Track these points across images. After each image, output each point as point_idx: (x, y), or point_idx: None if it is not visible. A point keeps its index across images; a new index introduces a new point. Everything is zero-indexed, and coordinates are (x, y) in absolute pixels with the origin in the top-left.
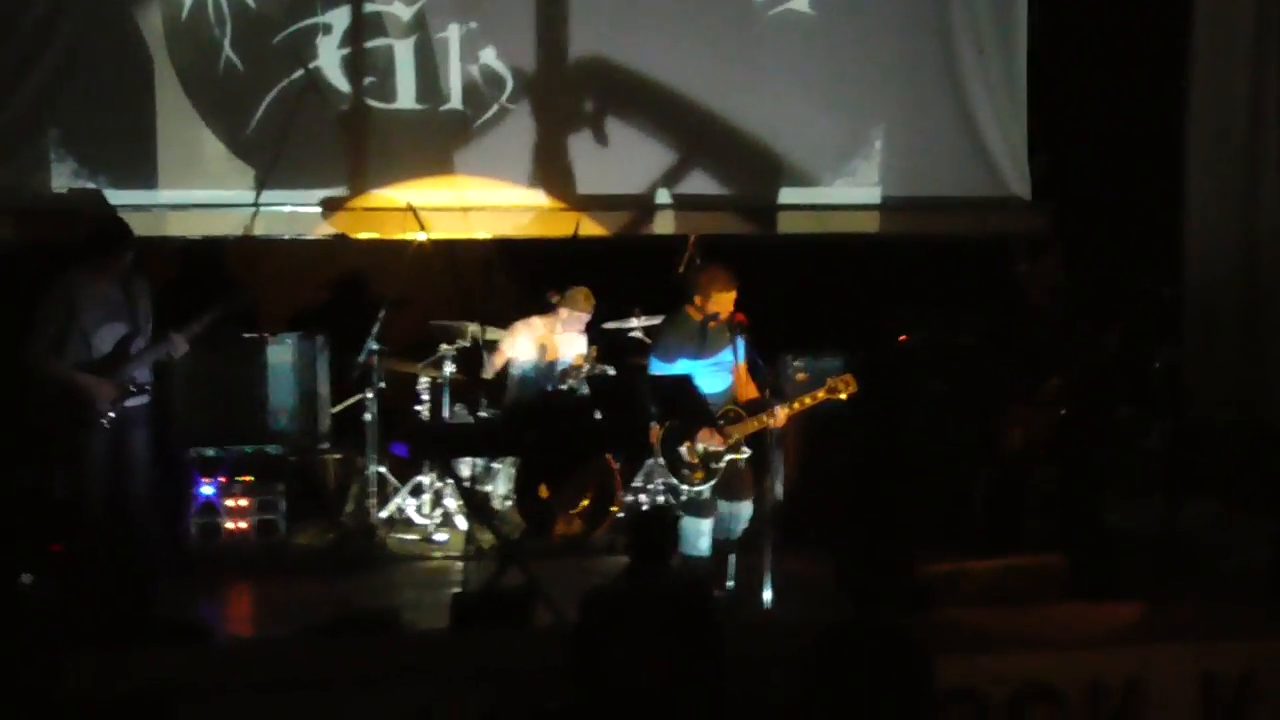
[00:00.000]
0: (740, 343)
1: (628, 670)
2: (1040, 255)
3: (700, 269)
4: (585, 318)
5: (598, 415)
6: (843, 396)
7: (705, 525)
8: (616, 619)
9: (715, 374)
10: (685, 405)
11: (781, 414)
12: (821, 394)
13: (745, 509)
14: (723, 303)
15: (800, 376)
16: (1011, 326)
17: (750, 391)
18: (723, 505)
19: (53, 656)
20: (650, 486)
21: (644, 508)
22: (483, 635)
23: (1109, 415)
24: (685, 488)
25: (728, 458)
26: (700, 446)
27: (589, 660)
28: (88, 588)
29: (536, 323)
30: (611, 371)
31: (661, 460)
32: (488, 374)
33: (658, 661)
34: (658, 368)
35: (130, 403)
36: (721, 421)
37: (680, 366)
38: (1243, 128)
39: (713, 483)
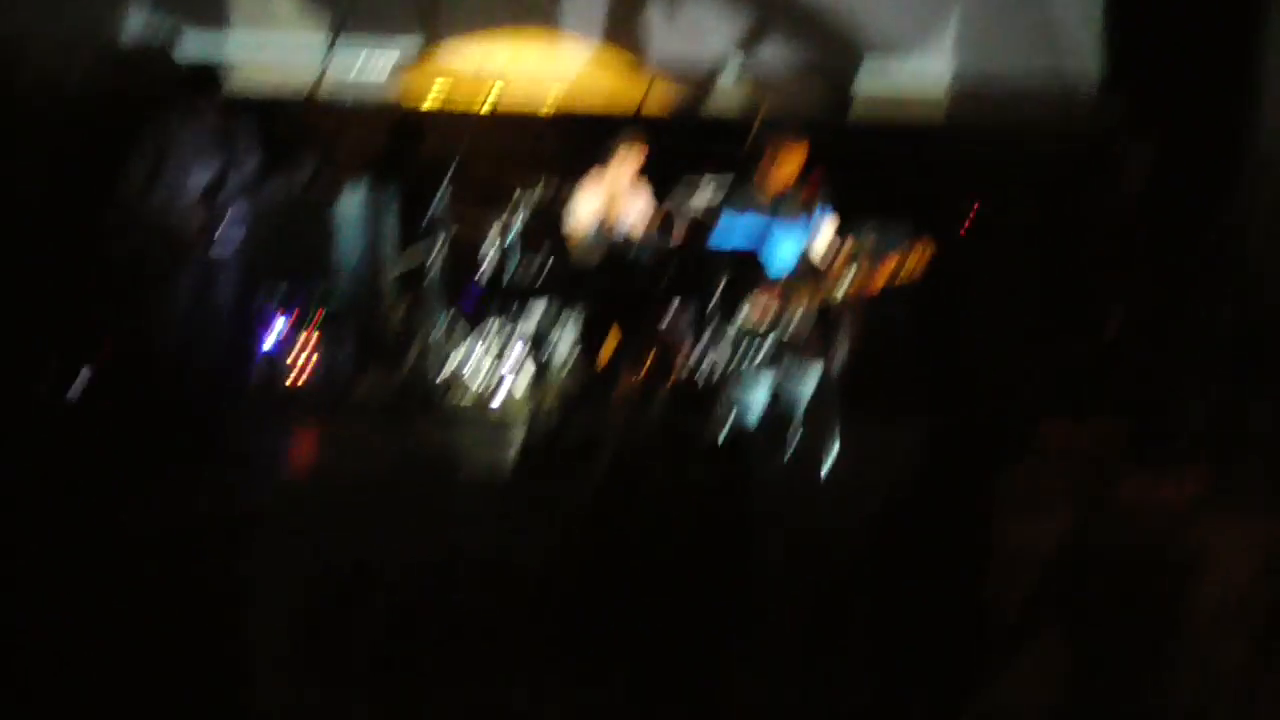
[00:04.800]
0: (818, 210)
1: (652, 522)
2: (1133, 148)
3: (769, 139)
4: (635, 162)
5: (662, 279)
6: (916, 267)
7: (762, 386)
8: (649, 472)
9: (784, 242)
10: (746, 271)
11: (849, 283)
12: (894, 264)
13: (809, 371)
14: (791, 169)
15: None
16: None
17: (837, 259)
18: (786, 366)
19: (111, 477)
20: (713, 352)
21: (688, 368)
22: (549, 483)
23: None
24: (746, 351)
25: (791, 323)
26: (761, 311)
27: (614, 509)
28: (158, 419)
29: (597, 182)
30: (675, 239)
31: (724, 325)
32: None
33: (682, 518)
34: (724, 236)
35: (218, 248)
36: (787, 287)
37: (749, 234)
38: None
39: (772, 344)
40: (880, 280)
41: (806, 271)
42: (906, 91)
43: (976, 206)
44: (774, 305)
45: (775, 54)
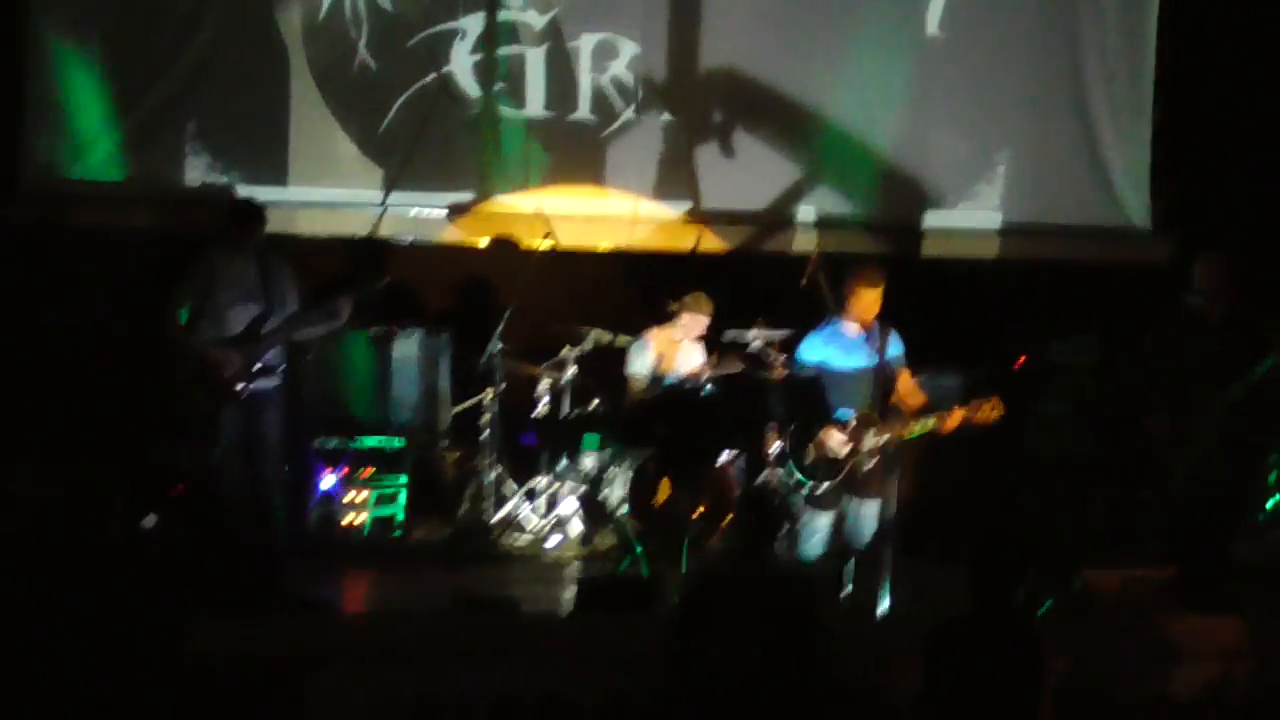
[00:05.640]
0: (892, 345)
1: (723, 655)
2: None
3: (844, 272)
4: (704, 322)
5: (717, 417)
6: (991, 417)
7: (823, 522)
8: (718, 604)
9: (855, 377)
10: (813, 404)
11: (915, 426)
12: (964, 413)
13: (870, 509)
14: (866, 303)
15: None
16: (1178, 340)
17: (910, 399)
18: (847, 504)
19: (178, 610)
20: (773, 489)
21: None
22: (606, 620)
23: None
24: (807, 486)
25: (854, 460)
26: (824, 447)
27: (686, 642)
28: (218, 558)
29: (656, 333)
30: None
31: (780, 468)
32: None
33: (752, 650)
34: (797, 368)
35: (260, 383)
36: (855, 423)
37: (822, 365)
38: None
39: (833, 481)
40: (948, 425)
41: (872, 412)
42: (963, 235)
43: (1024, 359)
44: (838, 444)
45: (829, 200)
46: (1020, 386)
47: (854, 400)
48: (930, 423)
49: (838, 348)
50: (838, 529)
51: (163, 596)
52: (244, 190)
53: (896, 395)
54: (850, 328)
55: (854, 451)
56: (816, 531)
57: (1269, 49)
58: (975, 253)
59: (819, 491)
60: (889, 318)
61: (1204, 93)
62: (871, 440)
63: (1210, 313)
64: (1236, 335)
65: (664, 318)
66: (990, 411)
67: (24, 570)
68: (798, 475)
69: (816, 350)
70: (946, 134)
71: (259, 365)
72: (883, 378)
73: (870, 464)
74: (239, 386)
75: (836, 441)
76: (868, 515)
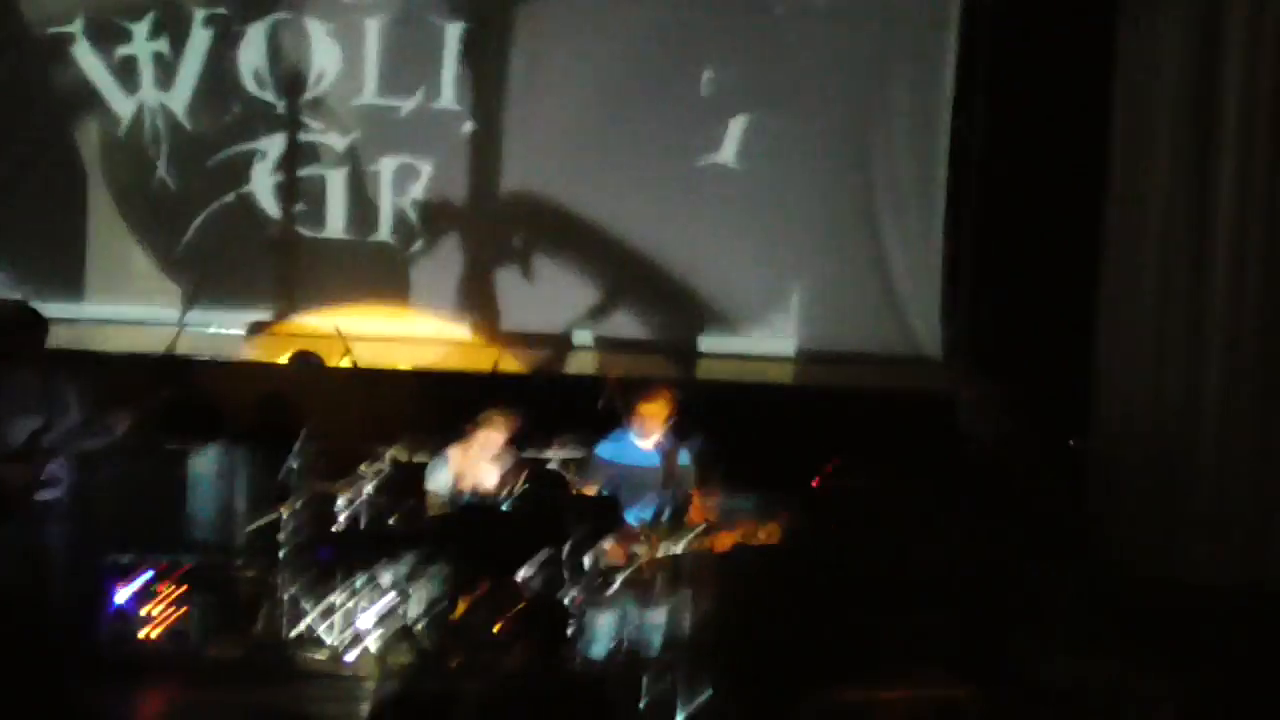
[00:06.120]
0: (681, 460)
1: None
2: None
3: (627, 394)
4: (500, 440)
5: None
6: (761, 540)
7: (603, 624)
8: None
9: (647, 485)
10: (603, 511)
11: (703, 536)
12: (741, 532)
13: (655, 617)
14: (653, 420)
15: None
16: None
17: (696, 515)
18: (632, 609)
19: None
20: (571, 599)
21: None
22: None
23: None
24: (601, 597)
25: (634, 567)
26: (608, 552)
27: None
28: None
29: (454, 451)
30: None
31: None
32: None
33: None
34: (594, 464)
35: (43, 495)
36: (639, 532)
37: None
38: (1153, 291)
39: (617, 584)
40: (724, 544)
41: (656, 523)
42: (754, 359)
43: (832, 465)
44: (620, 549)
45: (625, 324)
46: (816, 507)
47: (643, 508)
48: (708, 539)
49: (632, 453)
50: (620, 632)
51: None
52: (39, 306)
53: (687, 510)
54: (643, 440)
55: (634, 558)
56: (598, 632)
57: (1057, 181)
58: (770, 377)
59: (600, 595)
60: (681, 434)
61: (993, 223)
62: (656, 549)
63: (983, 440)
64: (1007, 462)
65: (462, 436)
66: (767, 534)
67: None
68: (590, 585)
69: (613, 450)
70: (742, 263)
71: (42, 478)
72: (672, 491)
73: (653, 572)
74: (22, 500)
75: (619, 547)
76: (653, 623)
